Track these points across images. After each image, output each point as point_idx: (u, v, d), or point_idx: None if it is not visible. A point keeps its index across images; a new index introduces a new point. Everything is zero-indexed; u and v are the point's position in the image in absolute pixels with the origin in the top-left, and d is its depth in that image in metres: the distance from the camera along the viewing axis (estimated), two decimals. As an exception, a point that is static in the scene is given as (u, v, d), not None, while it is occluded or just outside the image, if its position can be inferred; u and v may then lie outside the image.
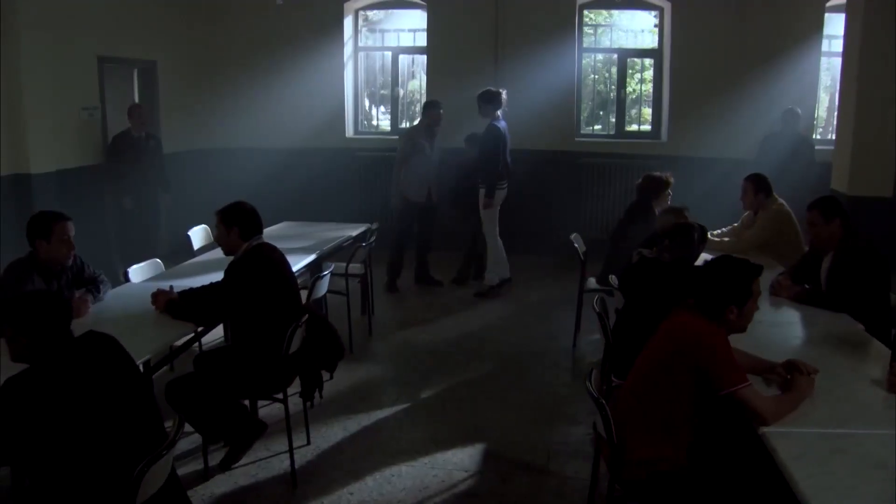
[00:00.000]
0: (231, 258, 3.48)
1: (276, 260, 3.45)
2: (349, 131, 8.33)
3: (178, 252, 6.02)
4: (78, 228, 6.28)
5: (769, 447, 2.23)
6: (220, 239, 3.48)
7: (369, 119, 8.72)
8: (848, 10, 5.03)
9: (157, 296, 3.44)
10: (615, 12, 8.20)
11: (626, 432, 2.48)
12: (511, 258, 7.70)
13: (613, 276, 4.18)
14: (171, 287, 3.52)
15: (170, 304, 3.38)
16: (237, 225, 3.40)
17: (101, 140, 6.61)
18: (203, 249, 5.46)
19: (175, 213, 7.16)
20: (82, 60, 6.29)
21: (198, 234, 5.54)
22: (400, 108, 8.51)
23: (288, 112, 8.13)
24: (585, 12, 7.93)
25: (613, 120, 8.10)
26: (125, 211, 6.51)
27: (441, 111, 6.45)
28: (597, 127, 8.28)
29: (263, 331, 3.33)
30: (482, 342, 5.39)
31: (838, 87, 5.29)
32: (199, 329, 3.46)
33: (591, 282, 5.29)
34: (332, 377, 4.14)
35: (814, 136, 7.35)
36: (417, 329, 5.68)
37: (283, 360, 3.24)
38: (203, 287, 3.52)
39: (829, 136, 7.75)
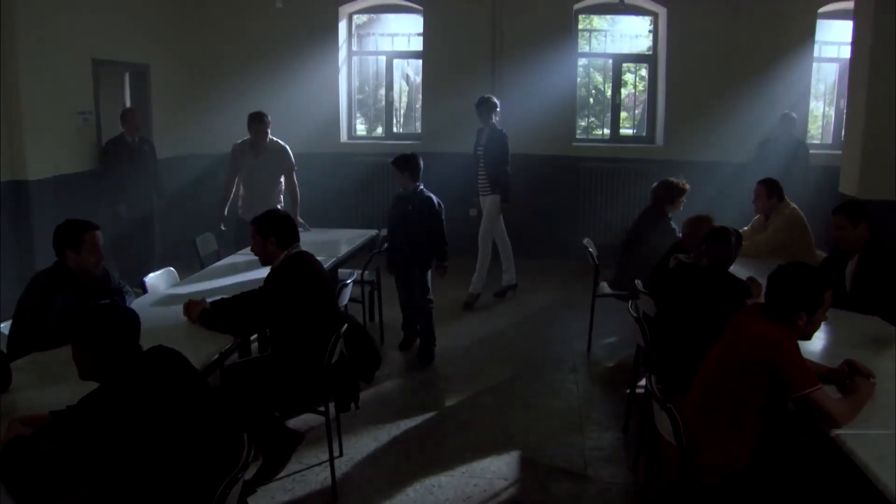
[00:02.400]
0: (263, 266, 3.41)
1: (316, 268, 3.39)
2: (343, 137, 8.25)
3: (177, 260, 5.89)
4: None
5: (846, 449, 2.25)
6: (256, 249, 3.40)
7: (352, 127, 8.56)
8: (856, 14, 5.13)
9: (190, 306, 3.34)
10: (609, 17, 8.28)
11: (694, 437, 2.49)
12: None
13: (639, 281, 4.19)
14: (203, 297, 3.42)
15: (203, 315, 3.28)
16: (274, 234, 3.33)
17: (97, 145, 6.42)
18: (209, 257, 5.36)
19: (167, 219, 7.01)
20: (78, 63, 6.10)
21: (204, 242, 5.42)
22: (394, 112, 8.46)
23: (282, 117, 7.98)
24: (580, 17, 7.96)
25: (607, 123, 8.16)
26: (120, 218, 6.33)
27: (261, 124, 5.72)
28: (593, 131, 8.32)
29: (304, 340, 3.26)
30: (496, 348, 5.37)
31: (846, 92, 5.40)
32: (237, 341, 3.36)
33: (604, 286, 5.31)
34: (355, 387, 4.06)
35: (807, 141, 7.48)
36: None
37: (325, 371, 3.17)
38: (236, 296, 3.44)
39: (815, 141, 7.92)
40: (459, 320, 5.98)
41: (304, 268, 3.31)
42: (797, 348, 2.43)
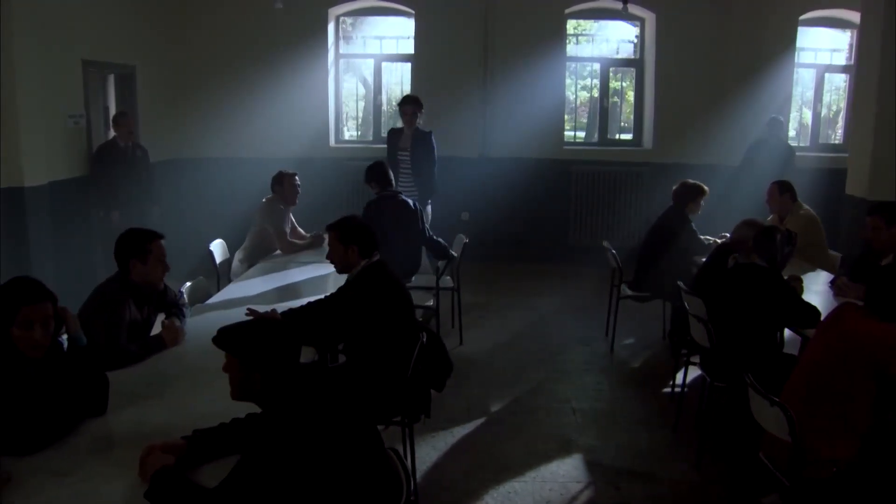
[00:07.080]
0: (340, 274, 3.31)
1: (396, 277, 3.31)
2: (332, 141, 8.10)
3: (178, 267, 5.64)
4: (70, 244, 5.80)
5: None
6: (334, 256, 3.30)
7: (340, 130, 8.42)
8: (863, 18, 5.38)
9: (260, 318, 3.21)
10: (596, 22, 8.43)
11: (803, 433, 2.56)
12: (505, 265, 7.80)
13: (681, 282, 4.27)
14: (274, 309, 3.30)
15: (277, 327, 3.16)
16: (356, 243, 3.24)
17: (87, 150, 6.09)
18: (224, 265, 5.19)
19: (163, 226, 6.70)
20: (68, 64, 5.77)
21: (217, 249, 5.23)
22: (383, 116, 8.37)
23: (270, 122, 7.80)
24: (568, 22, 8.07)
25: (597, 128, 8.31)
26: (113, 225, 6.02)
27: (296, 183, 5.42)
28: (580, 134, 8.46)
29: (384, 351, 3.17)
30: (520, 352, 5.37)
31: (850, 95, 5.65)
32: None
33: (623, 288, 5.39)
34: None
35: (790, 144, 7.77)
36: (448, 341, 5.55)
37: (408, 381, 3.10)
38: (307, 306, 3.33)
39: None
40: (474, 325, 5.95)
41: (386, 278, 3.23)
42: (903, 343, 2.54)
